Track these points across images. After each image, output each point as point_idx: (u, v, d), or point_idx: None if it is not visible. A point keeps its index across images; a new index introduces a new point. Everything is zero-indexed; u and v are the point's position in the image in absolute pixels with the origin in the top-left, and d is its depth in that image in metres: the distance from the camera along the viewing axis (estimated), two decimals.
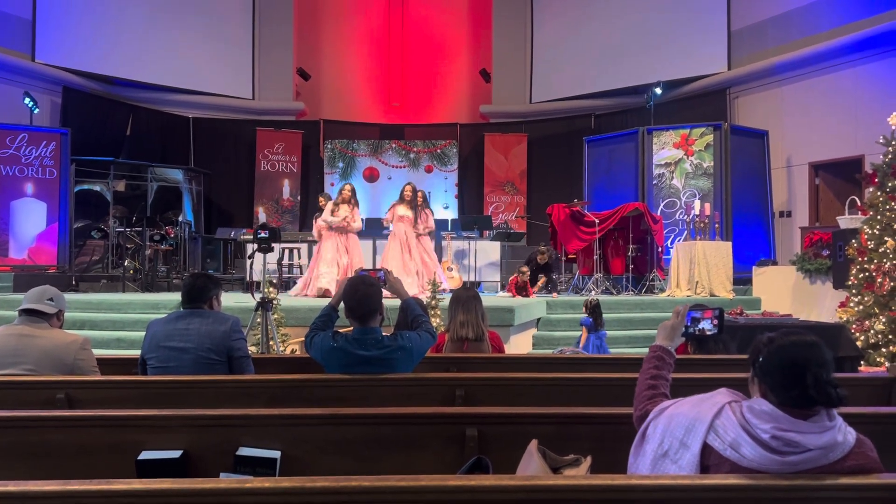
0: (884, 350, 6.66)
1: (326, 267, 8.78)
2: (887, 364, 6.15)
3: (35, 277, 9.72)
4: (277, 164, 14.93)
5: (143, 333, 3.46)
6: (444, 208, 15.41)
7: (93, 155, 12.42)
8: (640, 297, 9.64)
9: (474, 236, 11.25)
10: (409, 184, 9.42)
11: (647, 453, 1.98)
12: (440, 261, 9.82)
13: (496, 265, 11.20)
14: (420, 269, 8.95)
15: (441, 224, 10.31)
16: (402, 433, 2.45)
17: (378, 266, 9.30)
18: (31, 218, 11.30)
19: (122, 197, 12.95)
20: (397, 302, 3.77)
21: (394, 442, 2.45)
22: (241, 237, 12.21)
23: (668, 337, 2.37)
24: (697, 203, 10.26)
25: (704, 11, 13.50)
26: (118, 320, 7.54)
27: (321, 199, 10.02)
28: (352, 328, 3.22)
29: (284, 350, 6.14)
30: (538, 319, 8.30)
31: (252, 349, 4.87)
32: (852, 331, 6.83)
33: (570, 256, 10.86)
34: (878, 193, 7.12)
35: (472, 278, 10.63)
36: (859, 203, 7.94)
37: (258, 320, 5.70)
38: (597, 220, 10.19)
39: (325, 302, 3.65)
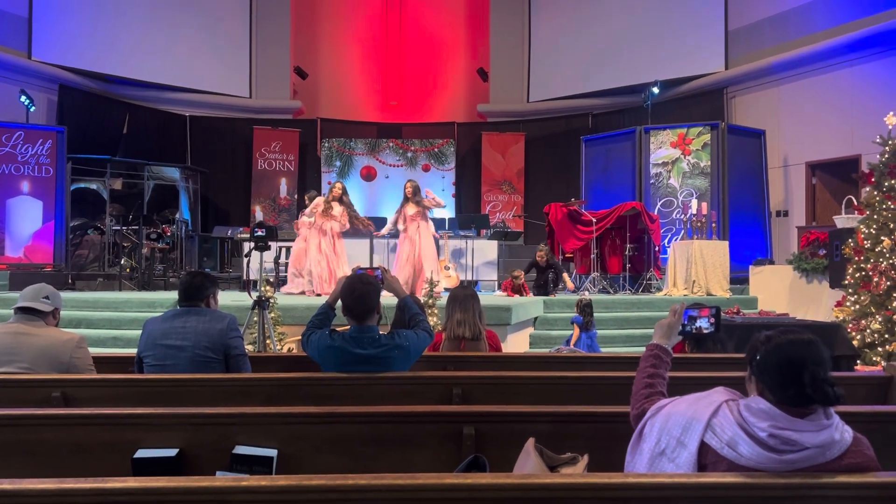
0: (880, 349, 6.68)
1: (316, 267, 8.94)
2: (883, 363, 6.15)
3: (31, 276, 9.69)
4: (274, 163, 14.91)
5: (140, 332, 3.45)
6: (442, 207, 15.39)
7: (89, 153, 12.38)
8: (637, 296, 9.65)
9: (471, 235, 11.24)
10: (408, 181, 9.40)
11: (644, 452, 1.97)
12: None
13: (493, 264, 11.20)
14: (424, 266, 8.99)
15: (438, 223, 10.29)
16: (398, 432, 2.45)
17: (391, 266, 9.36)
18: (28, 216, 11.26)
19: (118, 195, 12.91)
20: (394, 300, 3.77)
21: (391, 440, 2.44)
22: (238, 236, 12.19)
23: (665, 335, 2.37)
24: (694, 202, 10.27)
25: (702, 11, 13.51)
26: (114, 319, 7.53)
27: (306, 197, 9.97)
28: (349, 326, 3.21)
29: (281, 348, 6.14)
30: (535, 318, 8.30)
31: (249, 348, 4.87)
32: (848, 330, 6.85)
33: (567, 255, 10.86)
34: (875, 193, 7.14)
35: (469, 277, 10.63)
36: (856, 202, 7.96)
37: (255, 319, 5.69)
38: (594, 220, 10.19)
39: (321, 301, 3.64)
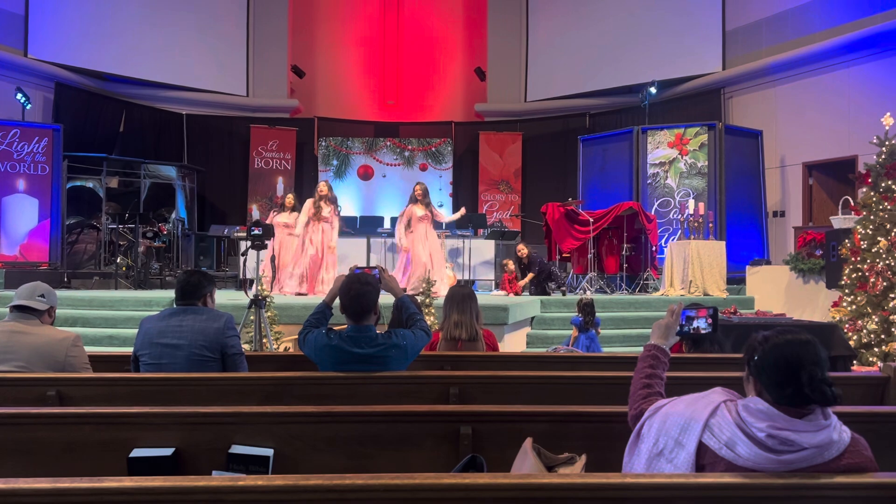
0: (876, 349, 6.69)
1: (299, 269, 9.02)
2: (880, 363, 6.17)
3: (27, 274, 9.66)
4: (271, 162, 14.89)
5: (136, 331, 3.45)
6: (439, 206, 15.36)
7: (85, 151, 12.35)
8: (634, 296, 9.66)
9: (469, 235, 11.23)
10: (419, 183, 9.45)
11: (642, 452, 1.97)
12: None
13: (490, 264, 11.20)
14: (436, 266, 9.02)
15: (436, 223, 10.27)
16: (395, 431, 2.44)
17: (395, 266, 9.37)
18: (23, 214, 11.23)
19: (114, 194, 12.88)
20: (391, 300, 3.76)
21: (388, 440, 2.44)
22: (235, 234, 12.16)
23: (663, 336, 2.37)
24: (691, 202, 10.28)
25: (699, 11, 13.52)
26: (110, 317, 7.51)
27: (290, 197, 9.88)
28: (346, 325, 3.21)
29: (278, 348, 6.12)
30: (532, 318, 8.30)
31: (245, 347, 4.86)
32: (845, 330, 6.85)
33: (564, 255, 10.86)
34: (872, 193, 7.15)
35: (466, 277, 10.63)
36: (852, 203, 7.97)
37: (251, 318, 5.68)
38: (591, 220, 10.19)
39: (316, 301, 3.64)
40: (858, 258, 7.12)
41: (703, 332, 2.46)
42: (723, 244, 9.98)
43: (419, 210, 9.15)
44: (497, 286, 10.32)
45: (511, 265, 9.89)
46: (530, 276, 9.76)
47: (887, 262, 6.82)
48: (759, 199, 12.21)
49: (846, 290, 7.26)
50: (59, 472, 1.98)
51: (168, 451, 2.35)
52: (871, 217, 7.08)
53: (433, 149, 15.64)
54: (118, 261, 10.83)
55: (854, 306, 7.04)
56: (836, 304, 7.52)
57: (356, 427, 2.44)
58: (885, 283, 6.80)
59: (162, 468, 2.30)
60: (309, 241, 9.07)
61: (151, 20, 14.04)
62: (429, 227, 9.19)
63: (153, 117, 14.63)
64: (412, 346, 3.24)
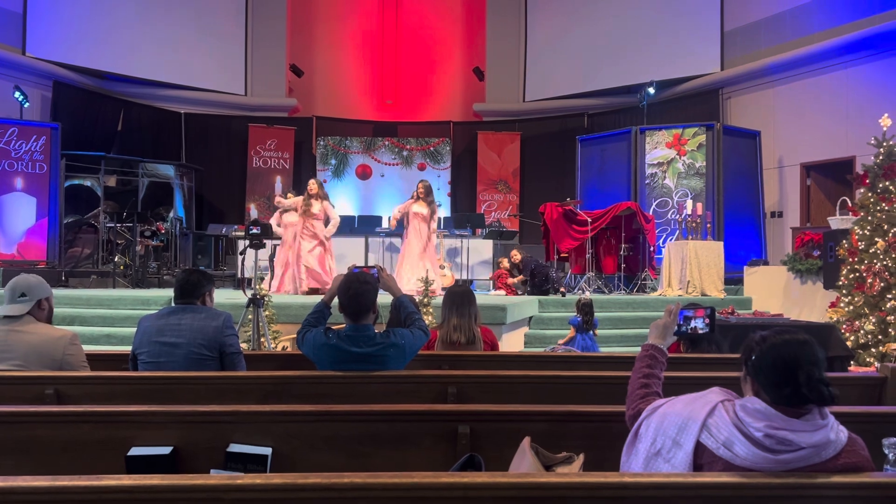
0: (873, 350, 6.70)
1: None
2: (877, 364, 6.18)
3: (24, 273, 9.64)
4: (270, 161, 14.88)
5: (134, 330, 3.45)
6: (437, 206, 15.39)
7: (83, 150, 12.33)
8: (632, 296, 9.66)
9: (467, 234, 11.23)
10: (422, 181, 9.50)
11: (639, 452, 1.98)
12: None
13: (488, 263, 11.20)
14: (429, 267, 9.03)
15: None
16: (393, 430, 2.44)
17: (397, 263, 9.39)
18: (21, 213, 11.21)
19: (112, 192, 12.86)
20: (389, 299, 3.76)
21: (386, 439, 2.44)
22: (233, 233, 12.16)
23: (661, 335, 2.37)
24: (689, 203, 10.28)
25: (697, 12, 13.53)
26: (108, 316, 7.50)
27: (290, 195, 9.87)
28: (344, 325, 3.21)
29: (276, 347, 6.12)
30: (530, 318, 8.31)
31: (243, 346, 4.86)
32: (842, 331, 6.86)
33: (562, 255, 10.87)
34: (869, 194, 7.16)
35: (464, 276, 10.63)
36: (850, 204, 7.98)
37: (249, 317, 5.68)
38: (589, 219, 10.19)
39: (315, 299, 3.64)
40: (856, 259, 7.13)
41: (700, 332, 2.46)
42: (721, 244, 9.99)
43: (419, 207, 9.16)
44: (494, 286, 10.33)
45: (505, 262, 10.02)
46: (520, 277, 9.81)
47: (885, 262, 6.83)
48: (756, 200, 12.22)
49: (843, 291, 7.27)
50: (58, 471, 1.98)
51: (166, 450, 2.35)
52: (869, 218, 7.08)
53: (431, 148, 15.65)
54: (116, 260, 10.82)
55: (851, 307, 7.05)
56: (833, 305, 7.53)
57: (354, 426, 2.44)
58: (882, 284, 6.81)
59: (160, 467, 2.30)
60: (300, 237, 9.02)
61: (150, 19, 14.02)
62: (422, 224, 9.19)
63: (151, 116, 14.61)
64: (410, 345, 3.24)
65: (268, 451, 2.36)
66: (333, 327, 3.25)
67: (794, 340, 1.84)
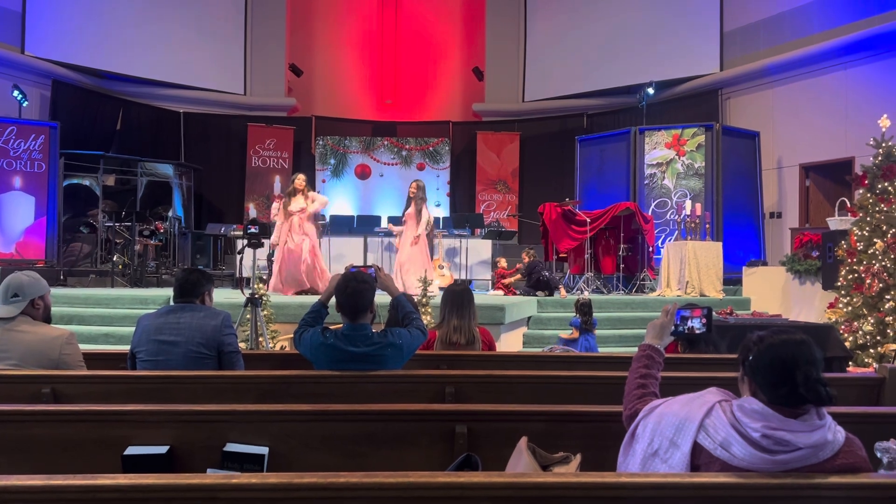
0: (872, 351, 6.70)
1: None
2: (875, 365, 6.18)
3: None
4: (269, 160, 14.87)
5: (132, 329, 3.45)
6: (436, 206, 15.38)
7: (82, 149, 12.33)
8: (631, 296, 9.66)
9: (466, 234, 11.23)
10: (414, 181, 9.34)
11: (636, 452, 1.97)
12: (431, 258, 9.80)
13: (487, 263, 11.20)
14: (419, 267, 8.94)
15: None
16: (391, 430, 2.44)
17: (393, 265, 9.32)
18: (20, 212, 11.20)
19: (111, 191, 12.86)
20: (388, 299, 3.76)
21: (383, 439, 2.43)
22: (232, 233, 12.15)
23: (658, 336, 2.37)
24: (688, 203, 10.29)
25: (697, 12, 13.54)
26: (106, 315, 7.49)
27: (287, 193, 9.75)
28: (342, 324, 3.20)
29: (274, 346, 6.11)
30: (529, 318, 8.30)
31: (241, 345, 4.85)
32: (841, 331, 6.87)
33: (561, 255, 10.87)
34: (868, 195, 7.16)
35: (462, 276, 10.63)
36: (849, 204, 7.98)
37: (248, 316, 5.67)
38: (588, 220, 10.19)
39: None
40: (855, 260, 7.13)
41: (697, 332, 2.46)
42: (719, 245, 9.99)
43: (409, 209, 9.11)
44: (493, 286, 10.33)
45: (503, 261, 10.01)
46: (517, 276, 9.81)
47: (883, 263, 6.83)
48: (755, 201, 12.22)
49: (842, 292, 7.27)
50: (54, 470, 1.97)
51: (163, 449, 2.34)
52: (868, 219, 7.09)
53: (431, 148, 15.64)
54: (115, 259, 10.81)
55: (850, 308, 7.05)
56: (832, 306, 7.53)
57: (351, 426, 2.43)
58: (880, 285, 6.82)
59: (156, 466, 2.29)
60: (288, 236, 8.80)
61: (149, 18, 14.01)
62: (411, 221, 9.03)
63: (150, 115, 14.60)
64: (408, 345, 3.24)
65: (264, 450, 2.35)
66: (331, 327, 3.25)
67: (791, 340, 1.84)
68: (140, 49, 13.87)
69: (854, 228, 7.25)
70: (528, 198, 15.00)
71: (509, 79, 16.10)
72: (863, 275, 6.98)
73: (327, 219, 11.59)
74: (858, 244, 7.11)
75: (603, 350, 7.13)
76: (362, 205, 15.22)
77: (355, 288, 3.14)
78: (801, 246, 9.13)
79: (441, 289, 7.27)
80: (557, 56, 15.44)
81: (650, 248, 10.76)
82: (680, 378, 2.99)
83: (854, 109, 10.86)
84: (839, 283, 7.34)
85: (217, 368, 3.33)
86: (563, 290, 9.74)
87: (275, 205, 9.27)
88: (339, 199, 15.02)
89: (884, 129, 7.30)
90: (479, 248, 11.24)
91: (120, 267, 10.67)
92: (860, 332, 6.81)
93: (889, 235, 6.87)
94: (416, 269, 8.79)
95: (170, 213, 13.10)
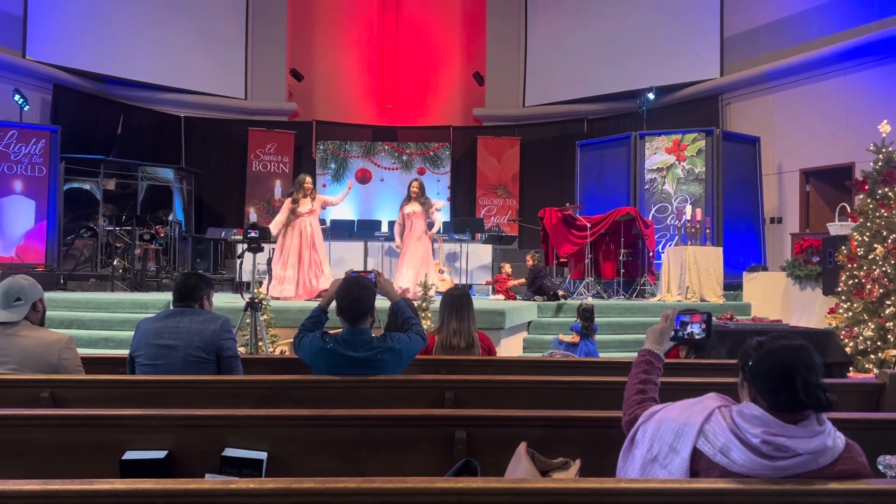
0: (872, 356, 6.69)
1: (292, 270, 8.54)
2: (876, 370, 6.17)
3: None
4: (269, 165, 14.88)
5: (132, 333, 3.44)
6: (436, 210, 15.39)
7: (83, 153, 12.33)
8: (631, 301, 9.65)
9: (466, 239, 11.24)
10: (414, 180, 9.36)
11: (636, 458, 1.97)
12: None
13: (487, 268, 11.20)
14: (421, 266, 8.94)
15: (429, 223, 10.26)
16: (390, 435, 2.43)
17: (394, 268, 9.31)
18: (20, 216, 11.20)
19: (112, 196, 12.87)
20: (387, 304, 3.76)
21: (382, 444, 2.43)
22: (232, 237, 12.15)
23: (657, 341, 2.36)
24: (689, 208, 10.29)
25: (697, 18, 13.56)
26: (106, 319, 7.48)
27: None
28: (341, 329, 3.20)
29: (273, 351, 6.11)
30: (529, 323, 8.30)
31: (241, 350, 4.85)
32: (841, 337, 6.86)
33: (561, 260, 10.87)
34: (868, 200, 7.16)
35: (463, 281, 10.63)
36: (849, 210, 7.98)
37: (247, 321, 5.67)
38: (588, 225, 10.20)
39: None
40: (855, 265, 7.13)
41: (697, 337, 2.46)
42: (720, 250, 9.99)
43: (411, 207, 9.09)
44: (493, 290, 10.33)
45: (507, 268, 9.99)
46: (522, 280, 9.81)
47: (884, 269, 6.83)
48: (756, 206, 12.22)
49: (843, 297, 7.26)
50: (52, 474, 1.96)
51: (161, 454, 2.34)
52: (868, 224, 7.09)
53: (431, 153, 15.65)
54: (115, 263, 10.81)
55: (850, 313, 7.05)
56: (832, 311, 7.52)
57: (350, 430, 2.43)
58: (881, 290, 6.81)
59: (154, 471, 2.29)
60: (297, 238, 8.67)
61: (150, 22, 14.03)
62: (417, 221, 9.05)
63: (151, 119, 14.62)
64: (408, 349, 3.23)
65: (263, 455, 2.34)
66: (330, 332, 3.24)
67: (790, 346, 1.83)
68: (141, 53, 13.89)
69: (854, 234, 7.25)
70: (528, 202, 15.01)
71: (510, 84, 16.11)
72: (863, 280, 6.97)
73: (328, 223, 11.61)
74: (859, 249, 7.11)
75: (603, 355, 7.13)
76: (363, 209, 15.23)
77: (357, 293, 3.14)
78: (802, 251, 9.13)
79: (439, 293, 7.26)
80: (558, 61, 15.46)
81: (650, 253, 10.75)
82: (679, 383, 2.98)
83: (854, 115, 10.86)
84: (839, 289, 7.33)
85: (216, 373, 3.32)
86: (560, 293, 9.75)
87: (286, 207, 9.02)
88: (340, 203, 14.99)
89: (884, 135, 7.31)
90: (480, 253, 11.24)
91: (120, 271, 10.67)
92: (860, 338, 6.81)
93: (889, 241, 6.87)
94: (413, 264, 8.83)
95: (170, 218, 13.10)
